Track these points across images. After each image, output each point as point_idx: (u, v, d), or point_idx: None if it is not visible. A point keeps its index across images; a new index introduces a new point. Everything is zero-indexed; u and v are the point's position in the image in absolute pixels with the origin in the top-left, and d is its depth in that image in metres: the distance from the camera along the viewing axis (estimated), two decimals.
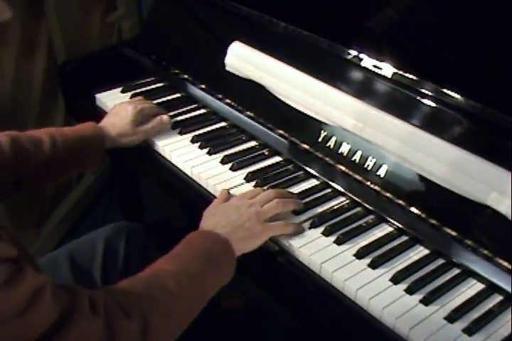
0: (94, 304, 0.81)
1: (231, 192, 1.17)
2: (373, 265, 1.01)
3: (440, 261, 1.03)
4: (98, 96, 1.53)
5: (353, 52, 1.20)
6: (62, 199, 2.22)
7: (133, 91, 1.55)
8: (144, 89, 1.57)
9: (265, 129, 1.33)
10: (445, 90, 1.07)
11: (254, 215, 1.06)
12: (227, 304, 1.84)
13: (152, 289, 0.90)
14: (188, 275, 0.94)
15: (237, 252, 1.04)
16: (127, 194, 1.97)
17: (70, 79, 1.61)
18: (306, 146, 1.25)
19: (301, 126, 1.27)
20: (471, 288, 0.98)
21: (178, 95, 1.55)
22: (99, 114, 1.50)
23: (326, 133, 1.22)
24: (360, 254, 1.03)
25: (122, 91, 1.56)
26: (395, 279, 0.98)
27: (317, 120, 1.23)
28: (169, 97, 1.54)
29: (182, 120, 1.44)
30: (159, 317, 0.88)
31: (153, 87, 1.59)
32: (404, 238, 1.08)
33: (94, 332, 0.79)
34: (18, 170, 1.16)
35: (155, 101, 1.49)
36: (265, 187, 1.19)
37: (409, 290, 0.96)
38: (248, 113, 1.38)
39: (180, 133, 1.38)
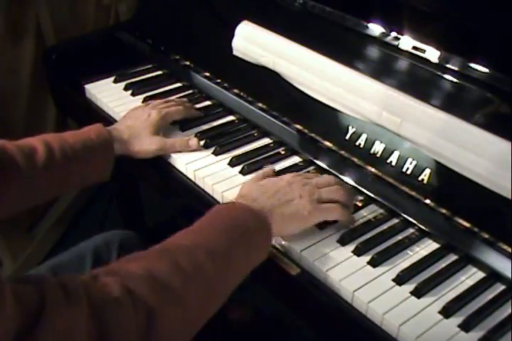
0: (69, 293, 0.64)
1: None
2: (418, 293, 0.82)
3: (500, 287, 0.84)
4: (87, 87, 1.35)
5: (384, 31, 1.01)
6: (55, 201, 2.04)
7: (127, 81, 1.37)
8: (140, 78, 1.39)
9: (280, 124, 1.14)
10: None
11: (307, 193, 0.91)
12: (236, 315, 1.70)
13: (159, 270, 0.72)
14: (208, 253, 0.77)
15: (275, 231, 0.87)
16: (125, 194, 1.79)
17: (57, 67, 1.42)
18: (329, 144, 1.06)
19: (324, 120, 1.08)
20: None
21: (179, 85, 1.37)
22: (89, 108, 1.33)
23: (354, 130, 1.02)
24: (400, 279, 0.84)
25: (115, 81, 1.37)
26: (447, 312, 0.80)
27: (344, 113, 1.04)
28: (169, 87, 1.36)
29: None
30: (168, 306, 0.70)
31: (150, 75, 1.41)
32: (453, 257, 0.89)
33: (74, 325, 0.62)
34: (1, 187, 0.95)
35: (152, 93, 1.32)
36: None
37: (466, 327, 0.78)
38: (260, 104, 1.19)
39: (182, 129, 1.19)
